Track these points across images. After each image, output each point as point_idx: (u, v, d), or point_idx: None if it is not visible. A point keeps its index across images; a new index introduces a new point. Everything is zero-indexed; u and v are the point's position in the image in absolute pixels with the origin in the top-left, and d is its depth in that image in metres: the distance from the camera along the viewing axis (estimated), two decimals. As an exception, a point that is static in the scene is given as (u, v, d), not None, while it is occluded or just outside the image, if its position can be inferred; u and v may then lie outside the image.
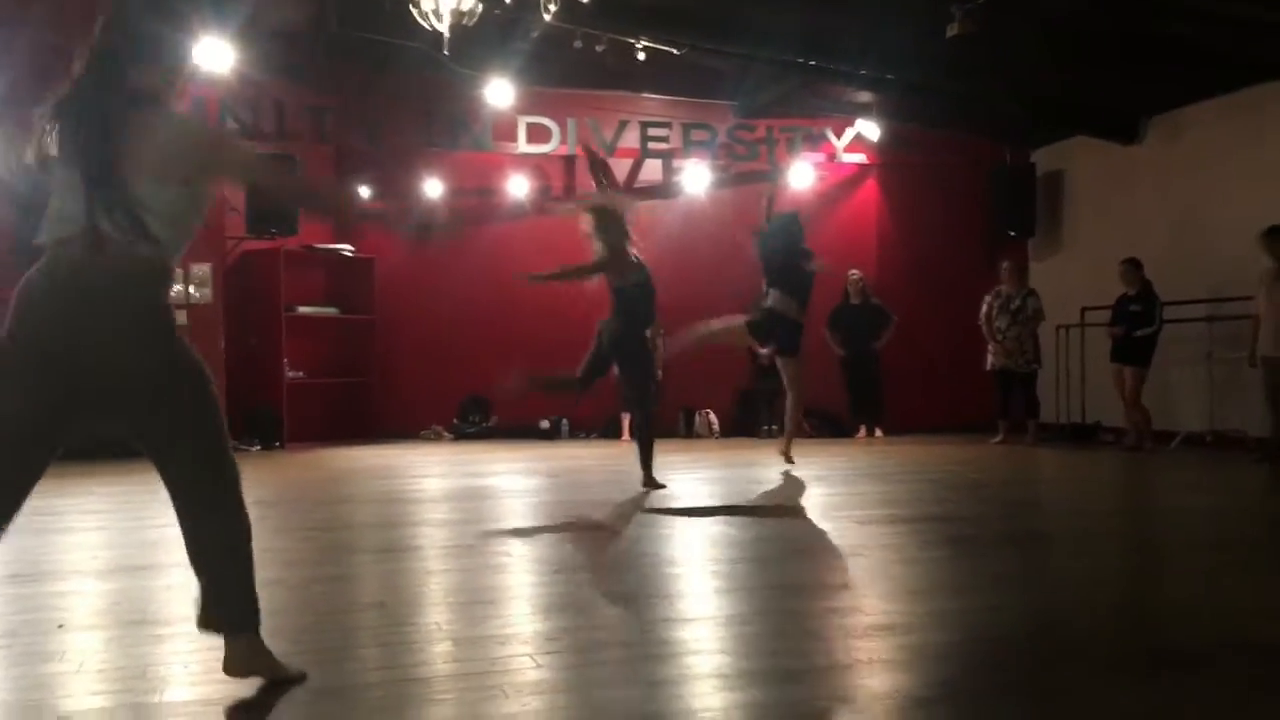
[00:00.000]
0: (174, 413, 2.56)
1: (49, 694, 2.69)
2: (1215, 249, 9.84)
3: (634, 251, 6.89)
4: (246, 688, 2.65)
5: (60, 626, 3.37)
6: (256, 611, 2.68)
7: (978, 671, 2.90)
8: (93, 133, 2.46)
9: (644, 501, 6.41)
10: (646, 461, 6.89)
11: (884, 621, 3.38)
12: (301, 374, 11.05)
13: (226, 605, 2.66)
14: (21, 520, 2.53)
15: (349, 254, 11.35)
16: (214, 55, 8.85)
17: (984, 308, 10.83)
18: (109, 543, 5.19)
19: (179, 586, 3.60)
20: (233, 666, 2.66)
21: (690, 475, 7.87)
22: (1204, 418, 10.05)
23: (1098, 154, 11.52)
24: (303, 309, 11.08)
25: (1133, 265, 9.84)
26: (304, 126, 10.88)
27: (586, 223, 6.85)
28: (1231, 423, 9.68)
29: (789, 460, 8.19)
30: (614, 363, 6.91)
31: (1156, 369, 9.82)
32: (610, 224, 6.80)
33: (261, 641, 2.69)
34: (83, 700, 2.64)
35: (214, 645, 2.70)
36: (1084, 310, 10.99)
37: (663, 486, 6.82)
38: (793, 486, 7.15)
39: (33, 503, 2.53)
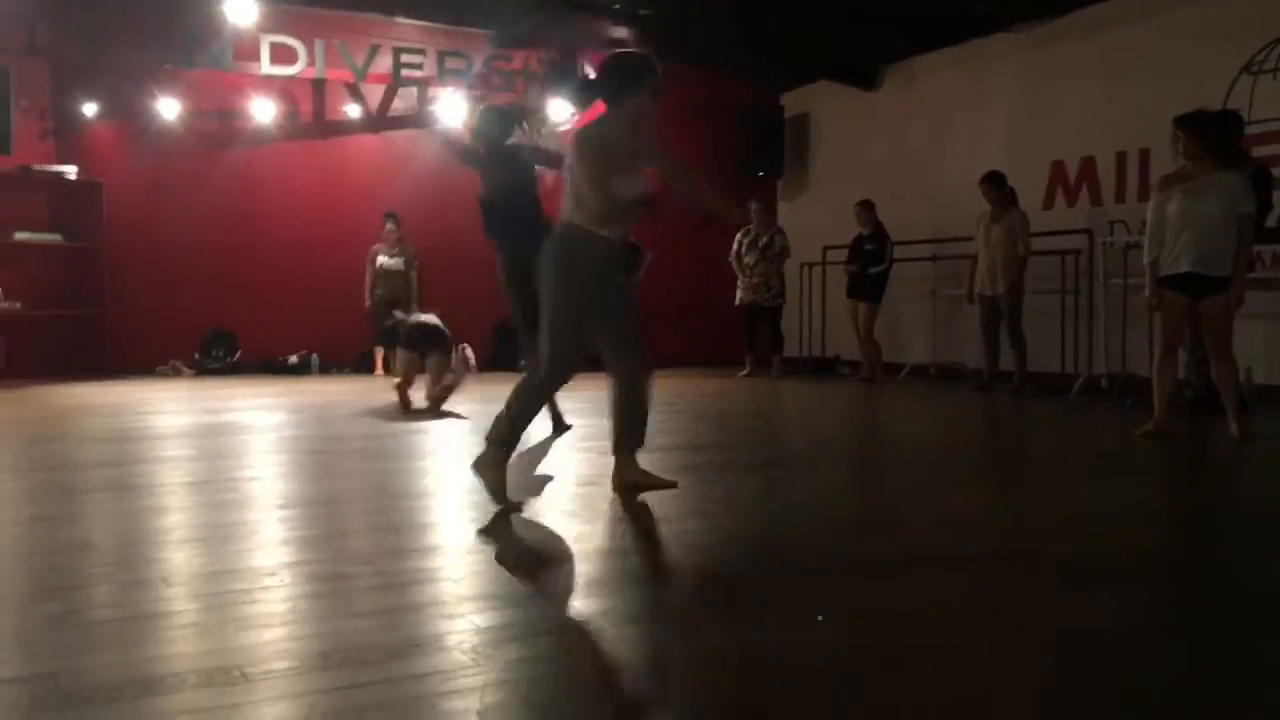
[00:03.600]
0: None
1: None
2: (941, 192, 10.50)
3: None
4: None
5: None
6: None
7: (690, 591, 3.03)
8: None
9: (389, 437, 6.32)
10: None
11: (607, 546, 3.48)
12: (19, 304, 10.22)
13: None
14: None
15: (72, 177, 10.51)
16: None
17: (734, 245, 11.18)
18: None
19: None
20: None
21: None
22: (929, 351, 10.79)
23: (841, 99, 12.02)
24: (20, 235, 10.22)
25: (866, 206, 10.37)
26: (14, 38, 9.93)
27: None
28: (953, 355, 10.44)
29: None
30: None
31: (887, 305, 10.44)
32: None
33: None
34: None
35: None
36: (826, 249, 11.52)
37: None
38: (546, 421, 7.19)
39: None
